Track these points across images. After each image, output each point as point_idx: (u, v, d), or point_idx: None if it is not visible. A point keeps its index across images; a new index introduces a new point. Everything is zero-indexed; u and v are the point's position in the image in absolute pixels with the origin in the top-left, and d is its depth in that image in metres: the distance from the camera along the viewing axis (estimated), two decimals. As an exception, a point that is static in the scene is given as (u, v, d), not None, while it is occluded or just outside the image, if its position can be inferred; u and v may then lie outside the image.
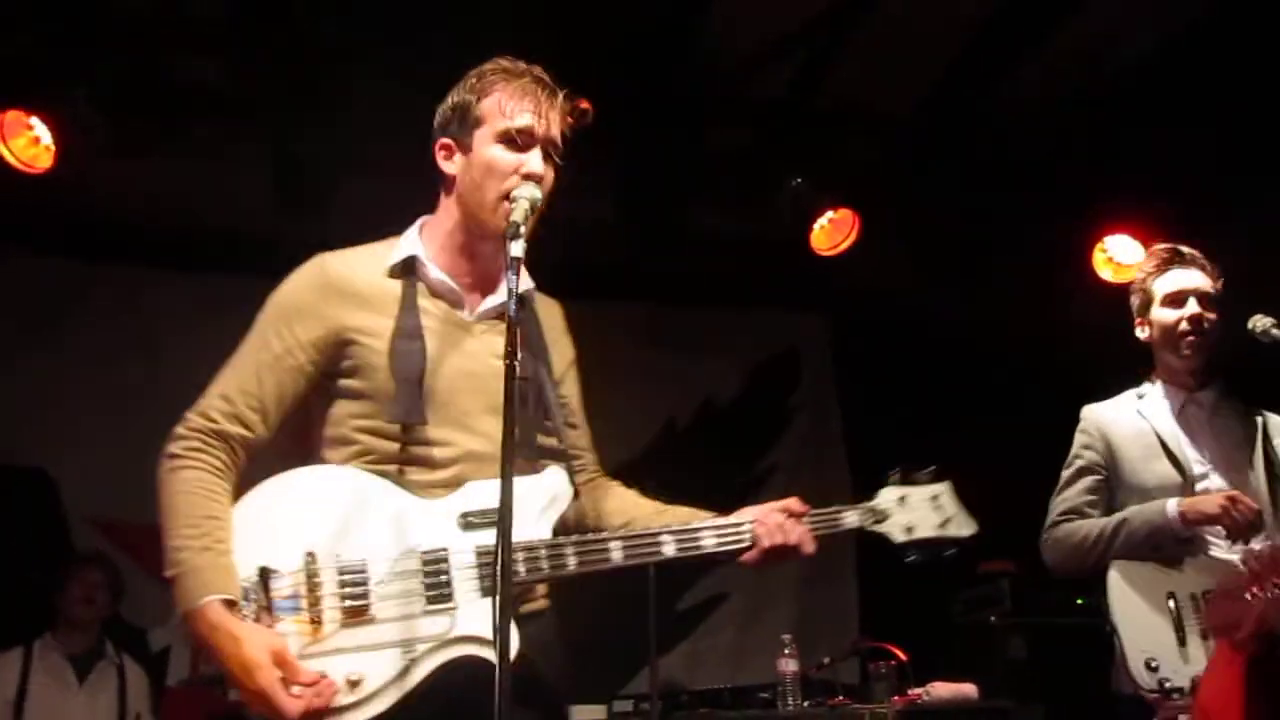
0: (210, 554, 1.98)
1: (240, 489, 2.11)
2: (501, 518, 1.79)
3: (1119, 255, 5.46)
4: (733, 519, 2.20)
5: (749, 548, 2.17)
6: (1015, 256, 5.60)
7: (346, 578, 1.99)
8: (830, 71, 5.13)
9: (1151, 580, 3.04)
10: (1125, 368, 3.71)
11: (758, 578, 5.93)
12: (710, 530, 2.17)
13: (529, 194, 2.11)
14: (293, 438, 2.22)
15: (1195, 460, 3.21)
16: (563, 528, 2.17)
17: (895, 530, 2.32)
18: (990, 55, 5.03)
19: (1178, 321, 3.20)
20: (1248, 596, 2.58)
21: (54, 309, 5.83)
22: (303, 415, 2.21)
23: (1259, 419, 3.27)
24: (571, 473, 2.23)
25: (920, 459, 2.40)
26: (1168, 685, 2.88)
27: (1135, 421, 3.31)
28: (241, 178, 5.06)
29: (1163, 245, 3.33)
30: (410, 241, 2.27)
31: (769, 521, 2.18)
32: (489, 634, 1.91)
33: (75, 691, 4.92)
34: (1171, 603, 3.00)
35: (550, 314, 2.44)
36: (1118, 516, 3.16)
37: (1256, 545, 2.99)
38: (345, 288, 2.19)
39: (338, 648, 1.95)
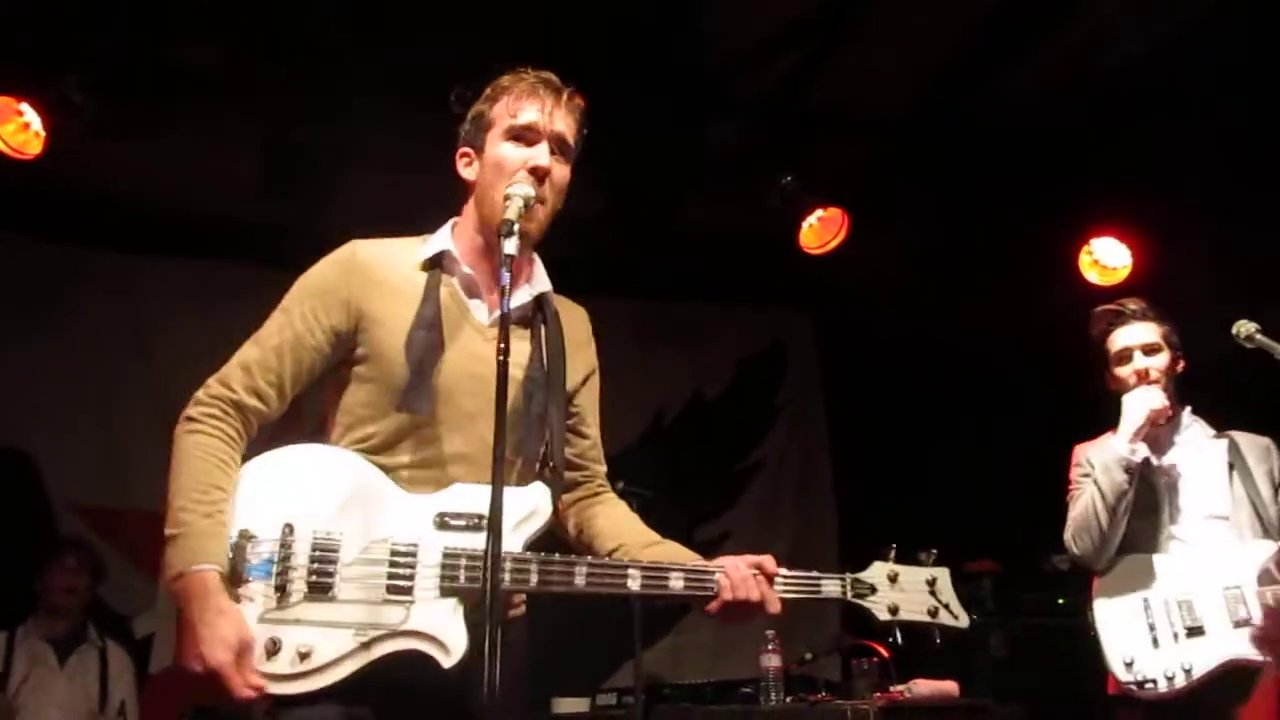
0: (211, 521, 2.03)
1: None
2: (492, 515, 1.81)
3: (1104, 258, 5.51)
4: (705, 565, 2.18)
5: (714, 596, 2.15)
6: (1002, 256, 5.62)
7: (318, 554, 2.05)
8: (823, 70, 5.13)
9: (1130, 587, 3.42)
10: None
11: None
12: (679, 573, 2.15)
13: (522, 191, 2.14)
14: (285, 422, 2.25)
15: (1168, 485, 3.54)
16: (545, 540, 2.19)
17: (879, 608, 2.27)
18: (981, 57, 5.05)
19: (1129, 377, 3.57)
20: None
21: (43, 293, 5.80)
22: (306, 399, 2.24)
23: (1224, 441, 3.60)
24: (557, 486, 2.25)
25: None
26: (1142, 678, 3.27)
27: None
28: (233, 163, 5.02)
29: (1104, 307, 3.67)
30: (443, 238, 2.30)
31: (734, 575, 2.14)
32: (439, 632, 2.01)
33: (57, 675, 4.92)
34: (1147, 610, 3.37)
35: (574, 321, 2.44)
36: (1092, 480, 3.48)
37: None
38: (371, 273, 2.23)
39: (297, 618, 2.01)
